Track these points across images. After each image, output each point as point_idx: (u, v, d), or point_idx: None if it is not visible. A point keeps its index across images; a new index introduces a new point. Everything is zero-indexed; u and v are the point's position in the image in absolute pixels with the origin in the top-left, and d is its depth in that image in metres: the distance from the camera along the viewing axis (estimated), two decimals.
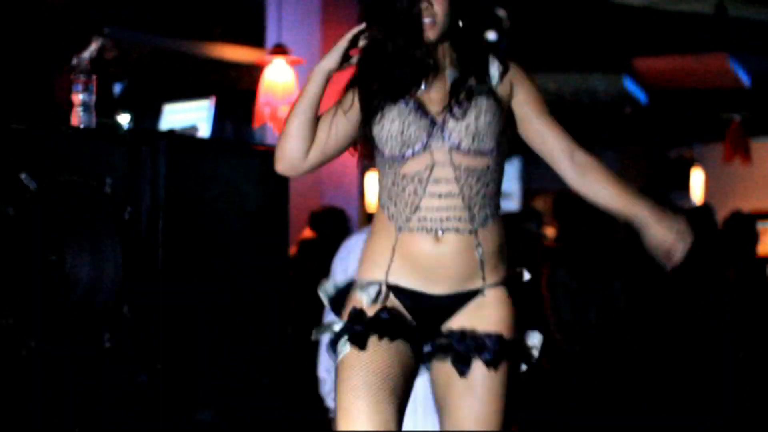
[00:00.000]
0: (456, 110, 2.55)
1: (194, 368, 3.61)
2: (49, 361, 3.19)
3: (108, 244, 3.36)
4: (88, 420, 3.29)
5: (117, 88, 8.22)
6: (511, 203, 12.22)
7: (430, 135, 2.55)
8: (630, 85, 10.86)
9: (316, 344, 4.14)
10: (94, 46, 3.83)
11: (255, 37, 7.77)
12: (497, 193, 2.61)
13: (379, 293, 2.58)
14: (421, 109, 2.57)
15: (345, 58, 2.64)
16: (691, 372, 5.33)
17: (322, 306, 2.94)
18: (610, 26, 10.15)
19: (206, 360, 3.64)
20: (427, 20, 2.55)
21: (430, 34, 2.57)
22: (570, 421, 5.29)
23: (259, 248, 3.86)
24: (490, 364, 2.52)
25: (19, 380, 3.13)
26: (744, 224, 6.39)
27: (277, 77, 6.26)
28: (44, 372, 3.19)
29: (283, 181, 3.98)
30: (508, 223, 2.70)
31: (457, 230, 2.54)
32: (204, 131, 4.17)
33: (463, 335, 2.56)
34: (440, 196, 2.54)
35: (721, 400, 5.18)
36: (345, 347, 2.55)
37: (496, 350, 2.53)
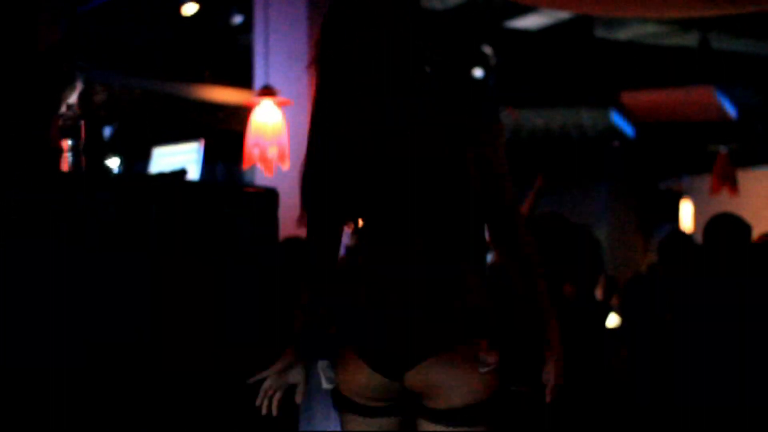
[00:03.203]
0: None
1: (194, 413, 3.61)
2: (38, 410, 3.20)
3: (99, 289, 3.37)
4: None
5: (107, 132, 8.26)
6: None
7: None
8: (617, 119, 10.93)
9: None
10: (79, 87, 3.86)
11: (243, 79, 7.82)
12: None
13: None
14: None
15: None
16: None
17: None
18: (596, 61, 10.22)
19: (201, 403, 3.64)
20: None
21: None
22: None
23: (252, 289, 3.87)
24: None
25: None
26: None
27: (266, 118, 6.29)
28: (28, 421, 3.19)
29: (274, 222, 4.00)
30: None
31: None
32: (193, 174, 4.19)
33: None
34: None
35: None
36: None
37: None
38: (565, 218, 4.92)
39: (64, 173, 3.45)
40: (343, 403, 2.62)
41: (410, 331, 2.50)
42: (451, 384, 2.50)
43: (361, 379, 2.56)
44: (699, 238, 7.14)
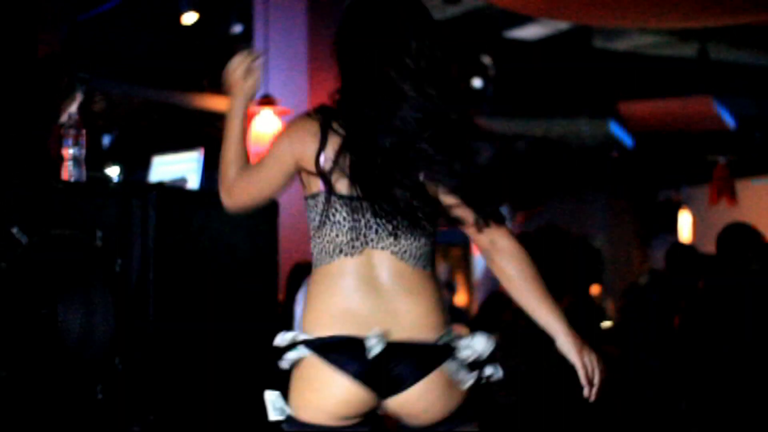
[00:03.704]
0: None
1: (187, 419, 3.61)
2: (42, 413, 3.20)
3: (99, 296, 3.38)
4: None
5: (105, 141, 8.26)
6: None
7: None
8: (616, 129, 10.93)
9: None
10: (79, 98, 3.86)
11: None
12: None
13: None
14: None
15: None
16: None
17: None
18: (595, 71, 10.23)
19: (199, 410, 3.65)
20: None
21: None
22: None
23: (250, 299, 3.88)
24: None
25: None
26: None
27: (265, 127, 6.30)
28: (37, 425, 3.19)
29: (273, 232, 4.01)
30: None
31: None
32: (193, 183, 4.19)
33: None
34: None
35: None
36: None
37: None
38: (563, 230, 4.94)
39: (65, 182, 3.45)
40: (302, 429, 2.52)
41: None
42: (434, 404, 2.48)
43: (334, 393, 2.47)
44: (698, 248, 7.18)
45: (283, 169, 2.58)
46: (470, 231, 2.55)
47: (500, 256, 2.53)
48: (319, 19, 6.91)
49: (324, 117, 2.53)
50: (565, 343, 2.50)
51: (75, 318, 3.33)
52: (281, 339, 2.53)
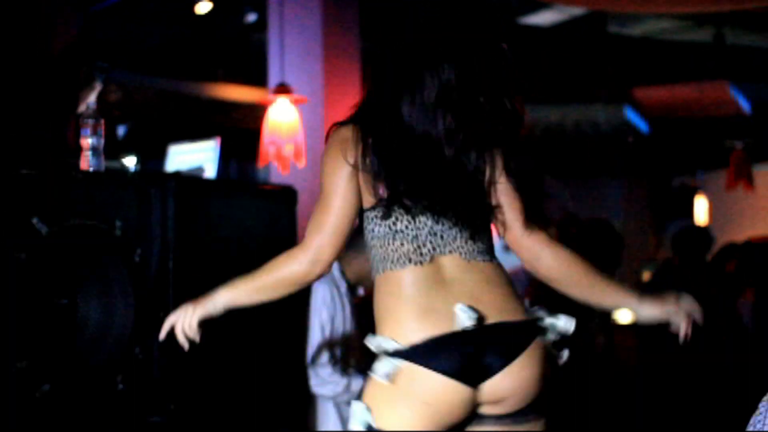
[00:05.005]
0: None
1: (208, 409, 3.62)
2: (62, 403, 3.20)
3: (119, 286, 3.38)
4: None
5: (120, 131, 8.27)
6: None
7: None
8: (631, 115, 10.90)
9: None
10: (97, 87, 3.87)
11: (258, 77, 7.82)
12: None
13: None
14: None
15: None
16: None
17: None
18: (610, 57, 10.20)
19: (220, 400, 3.65)
20: None
21: None
22: None
23: None
24: None
25: (33, 424, 3.14)
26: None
27: (281, 116, 6.29)
28: (58, 415, 3.20)
29: (291, 220, 4.01)
30: None
31: None
32: (210, 172, 4.20)
33: None
34: None
35: None
36: None
37: None
38: (611, 225, 4.97)
39: (84, 172, 3.46)
40: None
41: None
42: (526, 383, 2.46)
43: (440, 397, 2.42)
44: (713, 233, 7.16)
45: (351, 185, 2.56)
46: (511, 236, 2.57)
47: (544, 262, 2.56)
48: (333, 7, 6.89)
49: (363, 125, 2.55)
50: (647, 309, 2.56)
51: (95, 308, 3.33)
52: (370, 341, 2.51)
